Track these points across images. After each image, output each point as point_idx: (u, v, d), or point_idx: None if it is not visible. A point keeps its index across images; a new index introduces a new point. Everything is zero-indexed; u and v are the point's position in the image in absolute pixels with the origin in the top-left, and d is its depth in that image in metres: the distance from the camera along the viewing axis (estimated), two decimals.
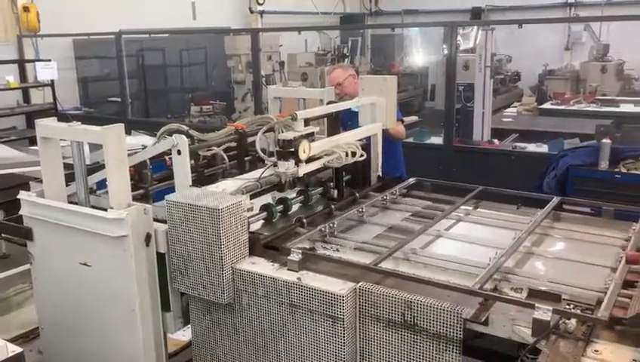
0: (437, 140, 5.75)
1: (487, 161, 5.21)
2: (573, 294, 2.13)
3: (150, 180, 3.04)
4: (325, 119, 3.56)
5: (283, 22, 12.12)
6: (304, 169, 2.83)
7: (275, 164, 2.82)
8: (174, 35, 9.84)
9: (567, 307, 2.03)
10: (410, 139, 6.03)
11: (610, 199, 3.72)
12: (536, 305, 1.95)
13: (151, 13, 9.47)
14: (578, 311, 1.98)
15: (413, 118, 8.13)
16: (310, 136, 2.95)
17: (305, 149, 2.80)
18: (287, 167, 2.75)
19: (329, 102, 3.77)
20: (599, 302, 2.01)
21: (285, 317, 2.36)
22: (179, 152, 2.65)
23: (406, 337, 2.15)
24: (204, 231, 2.40)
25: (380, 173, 3.57)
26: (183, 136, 2.69)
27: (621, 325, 1.90)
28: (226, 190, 2.62)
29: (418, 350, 2.13)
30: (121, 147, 2.47)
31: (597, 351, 1.83)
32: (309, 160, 2.88)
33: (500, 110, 8.99)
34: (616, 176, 4.35)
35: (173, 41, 9.88)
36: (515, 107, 8.75)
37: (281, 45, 9.21)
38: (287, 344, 2.38)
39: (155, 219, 2.64)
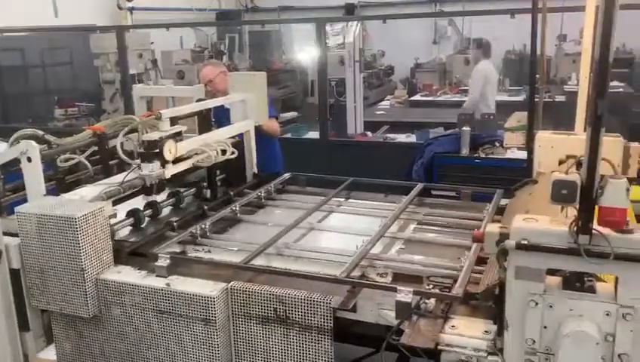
0: (314, 135, 5.85)
1: (360, 153, 5.39)
2: (434, 274, 2.25)
3: (2, 191, 2.80)
4: (196, 118, 3.49)
5: (155, 19, 11.68)
6: (171, 170, 2.74)
7: (138, 167, 2.70)
8: (34, 33, 9.12)
9: (428, 287, 2.14)
10: (289, 135, 6.08)
11: (472, 182, 4.01)
12: (398, 288, 2.04)
13: (5, 10, 8.71)
14: (437, 291, 2.09)
15: (292, 114, 8.20)
16: (177, 136, 2.86)
17: (171, 150, 2.71)
18: (151, 169, 2.64)
19: (198, 100, 3.69)
20: (456, 280, 2.15)
21: (156, 325, 2.28)
22: (29, 159, 2.46)
23: (279, 331, 2.17)
24: (61, 243, 2.25)
25: (256, 170, 3.56)
26: (32, 142, 2.50)
27: (474, 300, 2.04)
28: (85, 197, 2.47)
29: (292, 343, 2.15)
30: None
31: (454, 326, 1.95)
32: (177, 160, 2.79)
33: (375, 103, 9.35)
34: (476, 160, 4.68)
35: (33, 41, 9.15)
36: (389, 100, 9.13)
37: (152, 43, 8.85)
38: (160, 352, 2.30)
39: (9, 233, 2.43)
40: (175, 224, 2.77)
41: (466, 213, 2.96)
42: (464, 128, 4.82)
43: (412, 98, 9.03)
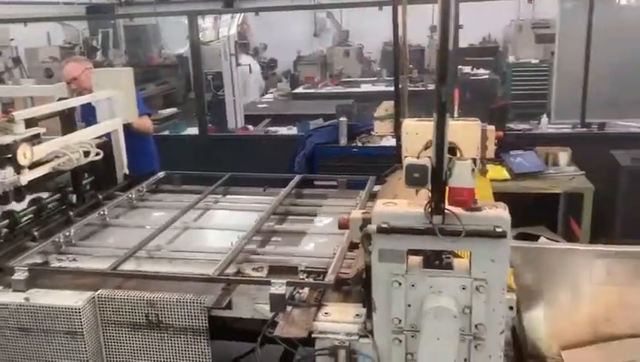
0: (194, 131, 5.71)
1: (242, 148, 5.34)
2: (309, 264, 2.27)
3: None
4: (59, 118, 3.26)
5: (16, 13, 10.79)
6: (27, 176, 2.54)
7: None
8: None
9: (302, 277, 2.16)
10: (167, 132, 5.89)
11: (351, 171, 4.10)
12: (272, 280, 2.04)
13: None
14: (310, 280, 2.12)
15: (172, 110, 7.96)
16: (34, 139, 2.67)
17: (26, 154, 2.52)
18: (4, 176, 2.44)
19: (60, 99, 3.46)
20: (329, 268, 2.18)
21: (18, 344, 2.11)
22: None
23: (153, 337, 2.09)
24: None
25: (127, 171, 3.40)
26: None
27: (346, 285, 2.09)
28: None
29: (167, 347, 2.09)
30: None
31: (327, 313, 1.98)
32: (35, 165, 2.60)
33: (259, 97, 9.30)
34: (354, 150, 4.81)
35: None
36: (272, 93, 9.13)
37: (12, 39, 8.18)
38: None
39: None
40: (36, 233, 2.58)
41: (341, 202, 3.03)
42: (341, 119, 4.93)
43: (294, 91, 9.09)
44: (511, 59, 9.28)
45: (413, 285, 1.77)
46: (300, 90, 9.20)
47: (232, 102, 5.85)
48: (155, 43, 13.38)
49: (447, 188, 1.68)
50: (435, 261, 1.81)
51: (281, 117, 6.52)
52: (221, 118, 5.99)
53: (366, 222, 1.79)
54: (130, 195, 3.10)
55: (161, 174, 3.44)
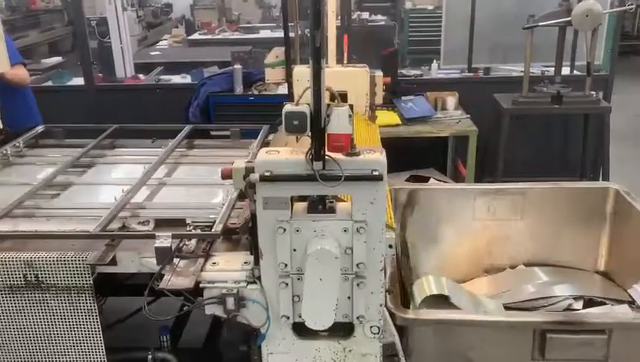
0: (81, 81, 5.35)
1: (133, 98, 5.09)
2: (198, 215, 2.25)
3: None
4: None
5: None
6: None
7: None
8: None
9: (190, 229, 2.14)
10: (49, 83, 5.50)
11: (248, 120, 4.06)
12: (157, 234, 2.00)
13: None
14: (198, 231, 2.11)
15: (55, 60, 7.41)
16: None
17: None
18: None
19: None
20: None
21: None
22: None
23: (34, 298, 2.01)
24: None
25: (1, 125, 3.15)
26: None
27: (235, 234, 2.10)
28: None
29: (50, 308, 2.02)
30: None
31: (215, 263, 1.99)
32: None
33: (155, 44, 8.86)
34: (250, 98, 4.74)
35: None
36: (166, 40, 8.73)
37: None
38: None
39: None
40: None
41: (233, 152, 2.99)
42: (236, 66, 4.82)
43: (190, 37, 8.74)
44: (408, 5, 9.41)
45: (297, 230, 1.81)
46: (195, 36, 8.86)
47: (120, 50, 5.53)
48: None
49: (326, 134, 1.71)
50: (319, 206, 1.85)
51: (175, 65, 6.28)
52: (109, 67, 5.66)
53: (249, 171, 1.79)
54: (4, 151, 2.89)
55: (40, 128, 3.23)
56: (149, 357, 2.29)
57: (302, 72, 3.02)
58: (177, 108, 4.89)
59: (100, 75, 5.62)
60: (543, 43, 4.85)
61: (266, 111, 4.42)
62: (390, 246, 1.90)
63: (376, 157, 1.76)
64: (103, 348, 2.06)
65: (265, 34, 9.06)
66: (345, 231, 1.81)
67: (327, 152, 1.72)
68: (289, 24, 3.46)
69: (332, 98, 1.76)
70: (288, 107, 1.70)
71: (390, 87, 3.84)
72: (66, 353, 2.07)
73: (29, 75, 4.01)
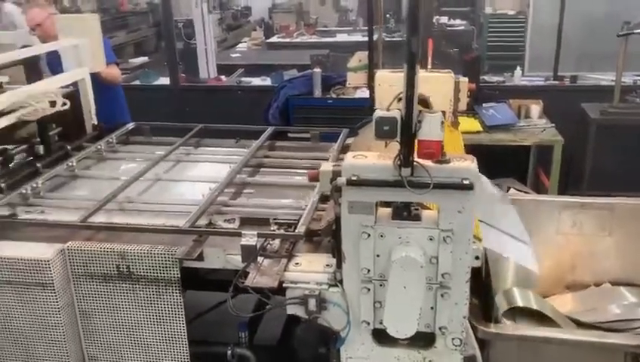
0: (166, 81, 5.58)
1: (215, 98, 5.25)
2: (281, 215, 2.28)
3: None
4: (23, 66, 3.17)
5: None
6: None
7: None
8: None
9: (273, 229, 2.17)
10: (137, 82, 5.76)
11: (326, 123, 4.09)
12: (243, 232, 2.05)
13: None
14: (281, 231, 2.14)
15: (142, 60, 7.75)
16: None
17: None
18: None
19: (23, 47, 3.35)
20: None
21: None
22: None
23: (125, 288, 2.10)
24: None
25: (95, 121, 3.33)
26: None
27: (317, 236, 2.11)
28: None
29: (139, 298, 2.10)
30: None
31: (297, 263, 2.01)
32: None
33: (234, 46, 9.11)
34: (329, 101, 4.77)
35: None
36: (246, 42, 8.94)
37: None
38: None
39: None
40: (2, 185, 2.53)
41: (315, 154, 3.02)
42: (315, 69, 4.87)
43: (269, 40, 8.92)
44: (488, 10, 9.18)
45: (382, 236, 1.80)
46: (274, 39, 9.03)
47: (204, 52, 5.72)
48: None
49: (416, 140, 1.69)
50: (404, 212, 1.83)
51: (255, 67, 6.41)
52: (193, 68, 5.86)
53: (336, 174, 1.80)
54: (99, 146, 3.05)
55: (131, 125, 3.38)
56: (229, 352, 2.34)
57: (384, 77, 3.00)
58: (256, 109, 5.00)
59: (183, 75, 5.83)
60: (636, 51, 4.60)
61: (344, 115, 4.44)
62: (477, 258, 1.86)
63: (467, 166, 1.72)
64: (186, 340, 2.13)
65: (341, 37, 9.12)
66: (431, 239, 1.78)
67: (416, 159, 1.70)
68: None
69: (425, 104, 1.74)
70: (379, 112, 1.69)
71: (472, 93, 3.75)
72: (151, 343, 2.15)
73: (120, 74, 4.22)
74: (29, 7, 4.27)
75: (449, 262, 1.78)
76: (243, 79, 5.66)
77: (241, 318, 2.39)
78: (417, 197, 1.74)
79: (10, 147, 2.88)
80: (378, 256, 1.82)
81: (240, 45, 9.02)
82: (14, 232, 2.22)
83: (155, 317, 2.12)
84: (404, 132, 1.66)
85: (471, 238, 1.79)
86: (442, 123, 1.67)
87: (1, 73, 2.77)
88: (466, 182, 1.70)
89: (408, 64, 1.59)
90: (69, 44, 3.21)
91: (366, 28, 9.09)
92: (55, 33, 3.91)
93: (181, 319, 2.10)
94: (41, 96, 2.72)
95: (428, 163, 1.71)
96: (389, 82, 2.82)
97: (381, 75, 3.06)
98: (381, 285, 1.84)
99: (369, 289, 1.85)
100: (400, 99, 1.71)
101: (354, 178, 1.75)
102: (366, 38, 7.65)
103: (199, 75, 5.81)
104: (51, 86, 2.88)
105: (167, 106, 5.31)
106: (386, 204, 1.86)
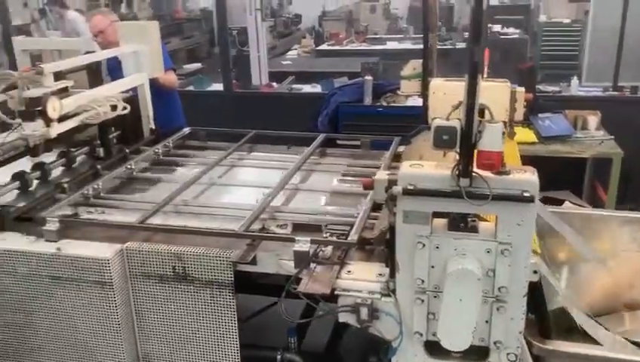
0: (219, 87, 5.70)
1: (266, 105, 5.32)
2: (333, 223, 2.29)
3: None
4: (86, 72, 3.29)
5: None
6: (57, 129, 2.57)
7: (20, 126, 2.52)
8: None
9: (326, 236, 2.18)
10: (191, 88, 5.89)
11: (376, 131, 4.08)
12: (296, 238, 2.06)
13: None
14: (334, 238, 2.14)
15: (196, 66, 7.93)
16: (63, 92, 2.69)
17: (55, 107, 2.54)
18: (34, 128, 2.48)
19: (87, 53, 3.48)
20: (352, 227, 2.20)
21: (49, 292, 2.18)
22: None
23: (180, 289, 2.14)
24: None
25: (153, 126, 3.42)
26: None
27: (369, 244, 2.11)
28: None
29: (193, 299, 2.14)
30: None
31: (350, 271, 2.01)
32: (63, 118, 2.63)
33: (284, 53, 9.22)
34: (378, 109, 4.76)
35: None
36: (296, 49, 9.03)
37: None
38: (57, 319, 2.21)
39: None
40: (66, 185, 2.63)
41: (365, 162, 3.02)
42: (366, 77, 4.87)
43: (319, 47, 8.98)
44: (542, 18, 8.99)
45: (437, 247, 1.78)
46: (324, 46, 9.09)
47: (257, 59, 5.81)
48: None
49: (475, 150, 1.67)
50: (460, 223, 1.81)
51: (305, 74, 6.46)
52: (245, 75, 5.96)
53: (391, 183, 1.79)
54: (156, 150, 3.13)
55: (187, 130, 3.46)
56: (278, 357, 2.36)
57: (439, 85, 2.96)
58: (306, 115, 5.04)
59: (236, 81, 5.94)
60: None
61: (394, 123, 4.42)
62: (535, 272, 1.81)
63: (527, 178, 1.69)
64: (238, 343, 2.15)
65: (392, 45, 9.10)
66: (488, 252, 1.75)
67: (475, 169, 1.68)
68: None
69: (481, 113, 1.72)
70: (439, 121, 1.68)
71: (529, 104, 3.67)
72: (204, 345, 2.18)
73: (177, 80, 4.33)
74: (92, 15, 4.44)
75: (506, 276, 1.75)
76: (294, 86, 5.71)
77: (292, 323, 2.40)
78: (475, 208, 1.71)
79: (72, 149, 3.00)
80: (433, 266, 1.79)
81: (290, 52, 9.12)
82: (76, 231, 2.30)
83: (207, 319, 2.15)
84: (463, 142, 1.64)
85: (529, 252, 1.75)
86: (504, 133, 1.64)
87: (67, 78, 2.88)
88: (526, 194, 1.66)
89: (470, 73, 1.57)
90: (129, 50, 3.31)
91: (416, 36, 9.04)
92: (116, 40, 4.05)
93: (233, 322, 2.13)
94: (103, 101, 2.82)
95: (487, 174, 1.68)
96: (444, 90, 2.78)
97: (436, 83, 3.03)
98: (435, 296, 1.82)
99: (423, 301, 1.83)
100: (457, 108, 1.69)
101: (410, 187, 1.73)
102: (416, 46, 7.61)
103: (251, 82, 5.90)
104: (113, 91, 2.98)
105: (220, 112, 5.41)
106: (441, 215, 1.84)
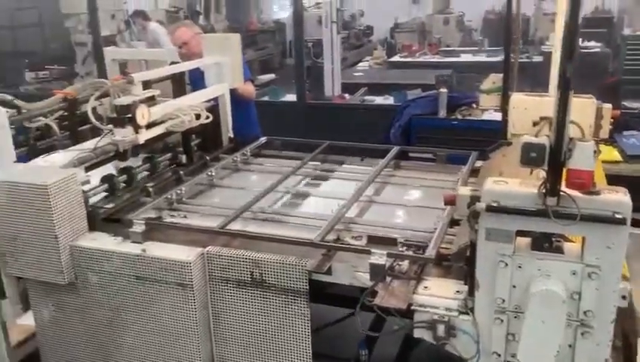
0: (292, 97, 5.80)
1: (338, 116, 5.36)
2: (408, 237, 2.27)
3: None
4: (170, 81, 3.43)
5: None
6: (144, 135, 2.70)
7: (111, 132, 2.66)
8: None
9: (402, 250, 2.17)
10: (266, 98, 6.02)
11: (449, 145, 4.03)
12: (372, 250, 2.06)
13: None
14: (410, 253, 2.13)
15: (269, 77, 8.10)
16: (150, 100, 2.82)
17: (144, 114, 2.67)
18: (124, 135, 2.61)
19: (172, 63, 3.63)
20: (429, 242, 2.17)
21: (133, 291, 2.29)
22: None
23: (256, 295, 2.19)
24: (33, 211, 2.22)
25: (231, 135, 3.52)
26: (1, 108, 2.44)
27: (446, 261, 2.08)
28: (56, 164, 2.44)
29: (268, 305, 2.18)
30: None
31: (426, 287, 1.99)
32: (150, 125, 2.76)
33: (354, 65, 9.27)
34: (453, 122, 4.69)
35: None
36: (367, 61, 9.06)
37: (125, 2, 8.62)
38: (138, 317, 2.31)
39: None
40: (151, 189, 2.76)
41: (441, 176, 2.98)
42: (441, 90, 4.82)
43: (391, 59, 8.97)
44: (626, 31, 8.59)
45: (520, 266, 1.74)
46: (396, 58, 9.07)
47: (331, 70, 5.87)
48: (254, 8, 13.60)
49: (564, 169, 1.62)
50: (545, 243, 1.76)
51: (378, 86, 6.47)
52: (318, 86, 6.03)
53: (474, 199, 1.76)
54: (235, 158, 3.23)
55: (263, 139, 3.55)
56: None
57: (520, 100, 2.89)
58: (378, 127, 5.04)
59: (308, 92, 6.02)
60: None
61: (469, 137, 4.35)
62: (624, 298, 1.73)
63: (619, 199, 1.62)
64: (311, 352, 2.17)
65: (465, 58, 8.96)
66: (573, 274, 1.69)
67: (563, 188, 1.63)
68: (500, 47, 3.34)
69: None
70: (527, 138, 1.64)
71: (615, 121, 3.51)
72: (277, 352, 2.22)
73: (255, 90, 4.44)
74: (176, 27, 4.62)
75: (593, 300, 1.68)
76: (366, 97, 5.73)
77: (363, 335, 2.40)
78: (562, 228, 1.66)
79: (156, 155, 3.13)
80: (514, 286, 1.75)
81: (361, 64, 9.16)
82: (160, 234, 2.40)
83: (282, 326, 2.18)
84: (552, 160, 1.60)
85: (619, 276, 1.68)
86: (595, 152, 1.59)
87: (154, 87, 3.02)
88: (618, 216, 1.60)
89: (562, 90, 1.54)
90: (212, 61, 3.44)
91: (491, 49, 8.84)
92: (199, 51, 4.21)
93: (307, 330, 2.15)
94: (188, 109, 2.93)
95: (576, 193, 1.63)
96: (525, 105, 2.72)
97: (517, 98, 2.95)
98: (516, 317, 1.77)
99: (502, 320, 1.79)
100: (537, 124, 1.65)
101: (494, 204, 1.70)
102: (491, 59, 7.44)
103: (324, 93, 5.97)
104: (196, 100, 3.10)
105: (293, 122, 5.50)
106: (522, 233, 1.79)
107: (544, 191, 1.64)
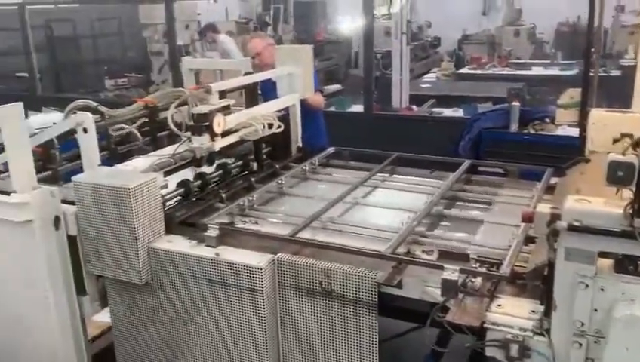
0: (358, 108, 5.81)
1: (406, 127, 5.33)
2: (481, 253, 2.23)
3: (59, 160, 2.92)
4: (243, 91, 3.52)
5: None
6: (220, 143, 2.79)
7: (189, 139, 2.76)
8: (84, 4, 9.33)
9: (474, 266, 2.13)
10: (332, 108, 6.06)
11: (521, 159, 3.93)
12: (445, 266, 2.03)
13: None
14: (484, 270, 2.08)
15: (336, 87, 8.16)
16: (226, 109, 2.90)
17: (220, 123, 2.75)
18: (201, 142, 2.70)
19: (246, 74, 3.72)
20: (503, 260, 2.12)
21: (205, 294, 2.36)
22: (84, 130, 2.54)
23: (324, 304, 2.20)
24: (115, 212, 2.33)
25: (300, 144, 3.57)
26: (88, 114, 2.58)
27: (521, 279, 2.02)
28: (138, 168, 2.55)
29: (336, 315, 2.19)
30: (19, 127, 2.33)
31: (500, 305, 1.94)
32: (225, 133, 2.84)
33: (421, 76, 9.19)
34: (525, 137, 4.57)
35: (83, 11, 9.36)
36: (435, 72, 8.97)
37: (199, 14, 8.92)
38: (209, 319, 2.38)
39: (66, 201, 2.53)
40: (224, 195, 2.83)
41: (514, 192, 2.91)
42: (514, 103, 4.70)
43: (459, 71, 8.84)
44: None
45: (602, 289, 1.67)
46: (465, 70, 8.93)
47: (399, 82, 5.85)
48: (321, 19, 13.76)
49: None
50: (629, 266, 1.68)
51: (446, 98, 6.39)
52: (385, 97, 6.02)
53: (554, 217, 1.71)
54: (304, 167, 3.27)
55: (331, 149, 3.57)
56: None
57: (600, 116, 2.78)
58: (447, 140, 4.97)
59: (375, 103, 6.02)
60: None
61: (542, 152, 4.22)
62: None
63: None
64: None
65: (537, 71, 8.72)
66: None
67: None
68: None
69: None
70: (613, 156, 1.58)
71: None
72: None
73: (323, 101, 4.48)
74: (250, 38, 4.75)
75: None
76: (434, 110, 5.67)
77: (429, 350, 2.37)
78: None
79: (229, 161, 3.22)
80: (596, 310, 1.69)
81: (428, 75, 9.07)
82: (232, 239, 2.46)
83: (349, 337, 2.19)
84: None
85: None
86: None
87: (229, 96, 3.11)
88: None
89: None
90: (284, 72, 3.50)
91: (564, 62, 8.55)
92: (272, 61, 4.30)
93: (374, 343, 2.15)
94: (261, 118, 3.00)
95: None
96: (605, 122, 2.62)
97: (597, 113, 2.85)
98: (596, 342, 1.70)
99: (581, 345, 1.72)
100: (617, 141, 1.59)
101: (576, 223, 1.65)
102: (564, 73, 7.19)
103: (391, 104, 5.95)
104: (268, 110, 3.16)
105: (359, 132, 5.50)
106: (604, 254, 1.72)
107: (631, 211, 1.57)
